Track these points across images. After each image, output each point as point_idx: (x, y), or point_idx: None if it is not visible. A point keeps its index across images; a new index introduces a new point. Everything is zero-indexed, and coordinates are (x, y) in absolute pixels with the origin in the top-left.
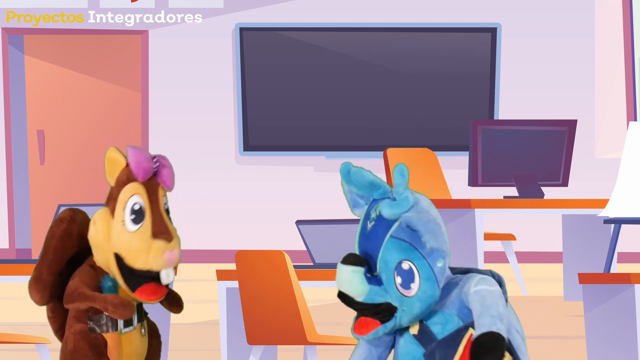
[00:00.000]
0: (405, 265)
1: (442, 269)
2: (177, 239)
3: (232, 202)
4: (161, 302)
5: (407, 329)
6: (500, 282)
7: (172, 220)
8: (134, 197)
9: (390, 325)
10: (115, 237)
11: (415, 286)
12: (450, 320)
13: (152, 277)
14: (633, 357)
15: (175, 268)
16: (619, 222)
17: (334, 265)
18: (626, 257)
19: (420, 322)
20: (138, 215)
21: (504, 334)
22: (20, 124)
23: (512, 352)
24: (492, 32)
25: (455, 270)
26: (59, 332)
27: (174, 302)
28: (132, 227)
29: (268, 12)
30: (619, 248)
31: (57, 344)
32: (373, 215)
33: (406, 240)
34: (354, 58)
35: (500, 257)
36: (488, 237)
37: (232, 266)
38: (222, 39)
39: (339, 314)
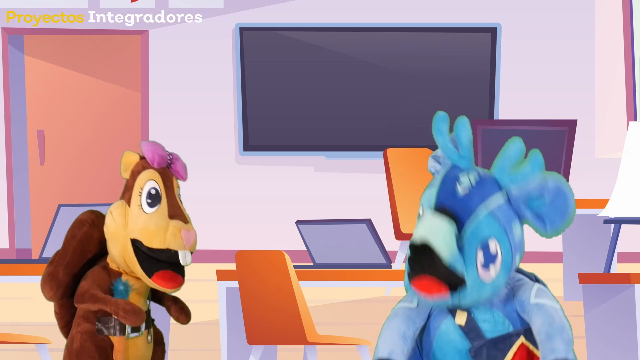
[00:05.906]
0: (492, 245)
1: (516, 264)
2: (192, 225)
3: (232, 202)
4: (169, 312)
5: (452, 315)
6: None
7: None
8: (149, 182)
9: (454, 298)
10: (132, 222)
11: (493, 270)
12: (501, 322)
13: (169, 261)
14: (633, 357)
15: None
16: (619, 222)
17: (334, 265)
18: (626, 257)
19: (468, 314)
20: (154, 199)
21: None
22: (20, 124)
23: None
24: (492, 32)
25: None
26: (65, 328)
27: (182, 312)
28: (149, 210)
29: (268, 12)
30: (619, 248)
31: (57, 344)
32: (465, 181)
33: (501, 222)
34: (354, 58)
35: None
36: None
37: (232, 266)
38: (222, 39)
39: (339, 314)
